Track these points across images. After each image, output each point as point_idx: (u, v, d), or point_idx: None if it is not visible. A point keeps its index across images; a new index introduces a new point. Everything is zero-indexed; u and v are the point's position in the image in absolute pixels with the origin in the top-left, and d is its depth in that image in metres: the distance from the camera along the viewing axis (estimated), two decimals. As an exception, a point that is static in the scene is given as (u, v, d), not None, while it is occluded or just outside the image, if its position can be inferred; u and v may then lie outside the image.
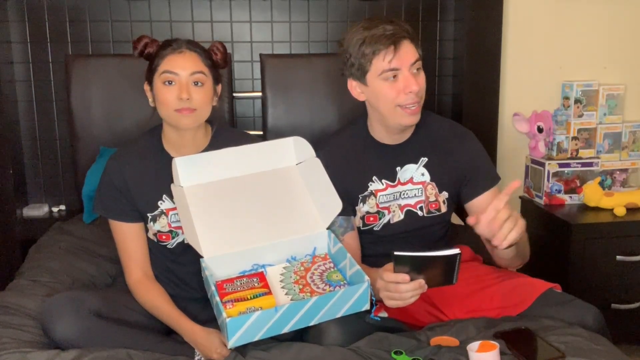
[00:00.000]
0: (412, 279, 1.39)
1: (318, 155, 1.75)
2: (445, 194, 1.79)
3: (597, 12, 2.71)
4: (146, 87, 1.70)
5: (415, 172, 1.77)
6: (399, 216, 1.78)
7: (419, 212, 1.78)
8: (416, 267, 1.39)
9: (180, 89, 1.61)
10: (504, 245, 1.44)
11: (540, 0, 2.67)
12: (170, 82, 1.63)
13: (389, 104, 1.65)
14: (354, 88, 1.72)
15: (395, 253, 1.37)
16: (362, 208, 1.76)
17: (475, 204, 1.78)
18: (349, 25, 2.60)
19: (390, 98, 1.64)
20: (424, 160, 1.77)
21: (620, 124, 2.67)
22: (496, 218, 1.42)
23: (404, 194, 1.77)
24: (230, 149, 1.69)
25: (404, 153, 1.77)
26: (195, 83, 1.64)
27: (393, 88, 1.63)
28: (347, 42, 1.67)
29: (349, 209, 1.74)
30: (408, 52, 1.62)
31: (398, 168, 1.77)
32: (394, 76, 1.62)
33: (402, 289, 1.40)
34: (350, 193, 1.75)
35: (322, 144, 1.79)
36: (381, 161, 1.76)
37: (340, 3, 2.61)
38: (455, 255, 1.38)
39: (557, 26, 2.70)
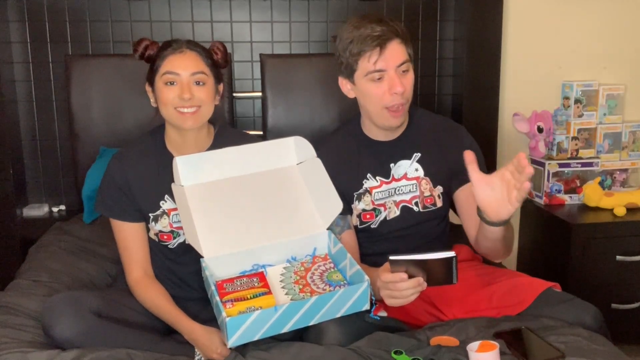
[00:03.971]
0: (410, 277, 1.40)
1: None
2: (440, 188, 1.80)
3: (597, 12, 2.71)
4: (147, 88, 1.71)
5: (409, 168, 1.78)
6: (394, 212, 1.78)
7: (415, 208, 1.79)
8: (412, 269, 1.40)
9: (182, 89, 1.62)
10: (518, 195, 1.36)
11: (540, 0, 2.67)
12: (171, 83, 1.63)
13: (375, 105, 1.67)
14: (344, 85, 1.74)
15: (391, 258, 1.38)
16: (358, 206, 1.77)
17: (462, 195, 1.77)
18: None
19: (376, 99, 1.65)
20: (417, 155, 1.78)
21: (620, 124, 2.67)
22: (504, 175, 1.37)
23: (398, 190, 1.78)
24: (231, 149, 1.69)
25: (397, 149, 1.78)
26: (197, 83, 1.64)
27: (379, 89, 1.64)
28: (338, 40, 1.69)
29: (345, 208, 1.74)
30: (394, 54, 1.62)
31: (392, 164, 1.78)
32: (380, 77, 1.63)
33: (401, 287, 1.40)
34: (346, 191, 1.75)
35: (317, 145, 1.80)
36: (375, 158, 1.78)
37: (340, 3, 2.61)
38: (450, 258, 1.38)
39: (557, 26, 2.70)
